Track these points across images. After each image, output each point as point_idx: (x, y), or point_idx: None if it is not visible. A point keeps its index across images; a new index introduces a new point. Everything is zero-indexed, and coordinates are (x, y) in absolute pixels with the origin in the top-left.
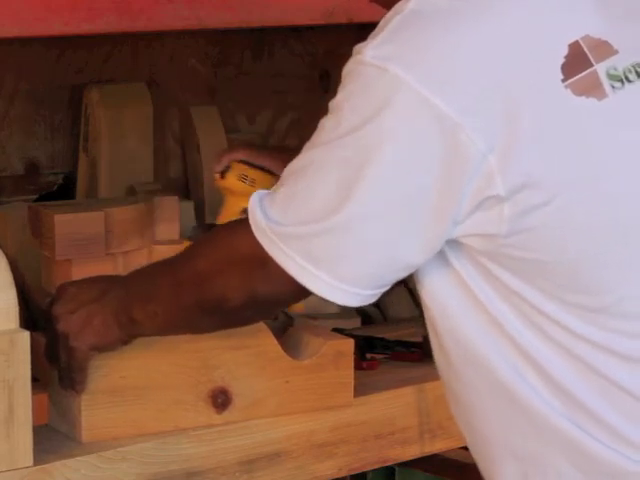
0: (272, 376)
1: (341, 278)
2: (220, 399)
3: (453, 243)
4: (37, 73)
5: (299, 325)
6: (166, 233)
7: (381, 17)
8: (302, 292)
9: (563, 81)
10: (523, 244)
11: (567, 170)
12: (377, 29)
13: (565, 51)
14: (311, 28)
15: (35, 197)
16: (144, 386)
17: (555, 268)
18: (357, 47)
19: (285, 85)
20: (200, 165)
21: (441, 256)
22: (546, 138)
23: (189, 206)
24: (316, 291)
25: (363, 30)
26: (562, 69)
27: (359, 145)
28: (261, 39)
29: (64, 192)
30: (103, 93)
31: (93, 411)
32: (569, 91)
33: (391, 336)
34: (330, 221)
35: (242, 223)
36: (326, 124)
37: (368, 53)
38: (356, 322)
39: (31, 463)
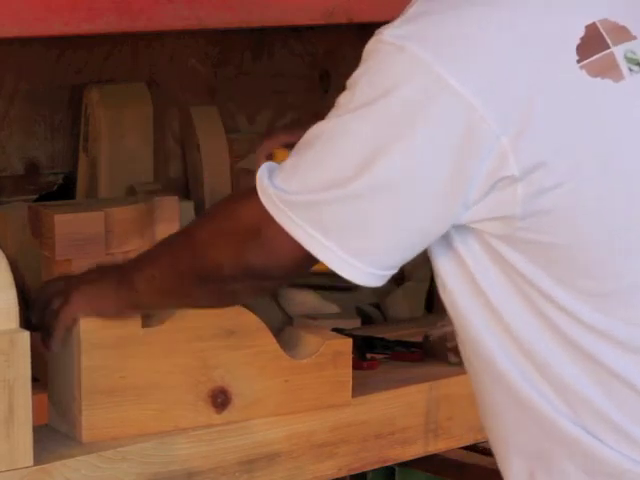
0: (271, 375)
1: (349, 250)
2: (220, 399)
3: (463, 230)
4: (37, 73)
5: (298, 324)
6: (166, 233)
7: (381, 17)
8: (297, 266)
9: (578, 62)
10: (537, 227)
11: (580, 151)
12: (400, 14)
13: (581, 32)
14: (311, 28)
15: (35, 197)
16: (144, 386)
17: (567, 252)
18: (379, 29)
19: (285, 85)
20: (200, 165)
21: (448, 245)
22: (560, 119)
23: (189, 206)
24: (323, 259)
25: (363, 30)
26: (577, 50)
27: (372, 118)
28: (261, 39)
29: (64, 192)
30: (103, 93)
31: (93, 411)
32: (584, 72)
33: (391, 336)
34: (340, 190)
35: (243, 194)
36: (341, 99)
37: (387, 33)
38: (356, 322)
39: (31, 463)
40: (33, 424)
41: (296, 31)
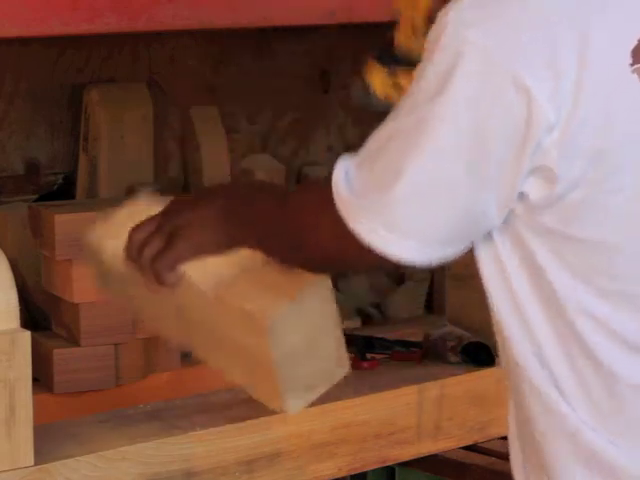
0: None
1: (425, 240)
2: None
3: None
4: (37, 73)
5: None
6: None
7: (381, 17)
8: (384, 259)
9: (631, 65)
10: (563, 217)
11: (617, 154)
12: None
13: (639, 34)
14: (311, 28)
15: (35, 197)
16: None
17: (587, 247)
18: (444, 10)
19: (285, 85)
20: (200, 165)
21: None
22: (605, 120)
23: None
24: (404, 258)
25: (363, 30)
26: (632, 53)
27: (437, 110)
28: (261, 39)
29: (64, 192)
30: (103, 93)
31: None
32: (635, 76)
33: (391, 336)
34: (412, 182)
35: (325, 196)
36: (409, 93)
37: (451, 17)
38: (356, 322)
39: (32, 463)
40: (34, 424)
41: (296, 31)
